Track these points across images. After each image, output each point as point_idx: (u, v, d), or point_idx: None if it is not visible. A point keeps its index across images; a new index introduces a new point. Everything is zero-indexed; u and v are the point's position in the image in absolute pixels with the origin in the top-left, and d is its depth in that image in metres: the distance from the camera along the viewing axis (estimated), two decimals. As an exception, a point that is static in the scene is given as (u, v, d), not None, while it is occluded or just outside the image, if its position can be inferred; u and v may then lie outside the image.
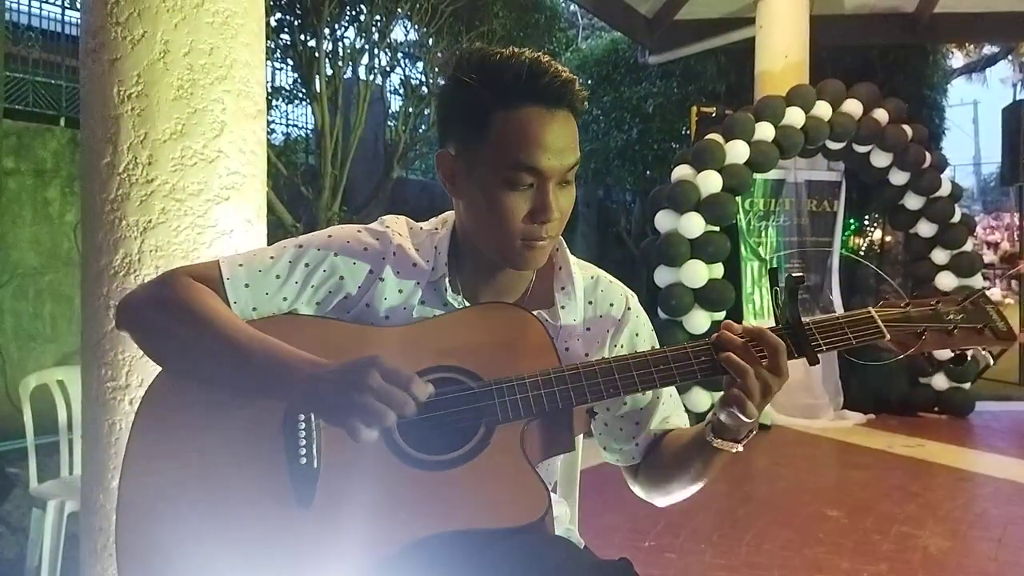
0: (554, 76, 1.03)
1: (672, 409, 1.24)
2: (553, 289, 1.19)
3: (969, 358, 1.17)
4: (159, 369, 1.10)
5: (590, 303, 1.20)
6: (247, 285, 1.10)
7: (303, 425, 1.02)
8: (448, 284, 1.13)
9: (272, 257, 1.12)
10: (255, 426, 1.04)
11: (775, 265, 5.45)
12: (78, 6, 1.76)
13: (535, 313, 1.14)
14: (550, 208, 1.04)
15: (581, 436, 1.37)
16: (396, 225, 1.18)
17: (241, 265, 1.12)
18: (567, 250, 1.20)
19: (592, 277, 1.23)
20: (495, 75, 1.03)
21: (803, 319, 1.07)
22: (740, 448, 1.08)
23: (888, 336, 1.09)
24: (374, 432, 0.92)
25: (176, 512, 1.02)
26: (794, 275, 1.07)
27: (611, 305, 1.21)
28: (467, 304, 1.14)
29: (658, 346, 1.24)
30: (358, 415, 0.93)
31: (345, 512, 1.00)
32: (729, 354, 1.02)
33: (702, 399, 4.72)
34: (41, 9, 6.01)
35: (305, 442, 1.02)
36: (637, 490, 1.28)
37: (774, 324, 1.09)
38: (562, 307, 1.18)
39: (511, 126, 1.02)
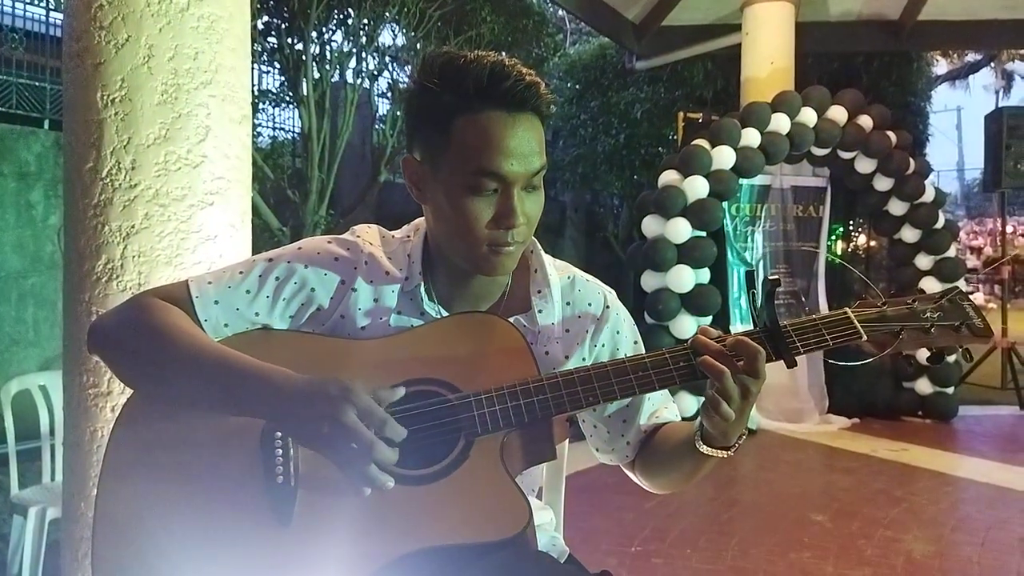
0: (517, 79, 1.01)
1: (660, 403, 1.24)
2: (530, 293, 1.18)
3: (946, 357, 1.16)
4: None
5: (568, 304, 1.20)
6: (217, 302, 1.10)
7: (280, 443, 1.01)
8: (424, 292, 1.13)
9: (242, 272, 1.12)
10: (233, 442, 1.02)
11: (752, 268, 5.48)
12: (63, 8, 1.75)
13: (512, 319, 1.13)
14: (514, 214, 1.03)
15: (565, 442, 1.37)
16: (367, 234, 1.17)
17: (210, 283, 1.11)
18: (542, 252, 1.19)
19: (569, 277, 1.22)
20: (457, 79, 1.02)
21: (780, 321, 1.07)
22: (730, 454, 1.07)
23: (865, 336, 1.09)
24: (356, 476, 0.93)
25: (153, 528, 1.00)
26: (771, 278, 1.06)
27: (589, 304, 1.20)
28: (443, 312, 1.13)
29: (640, 340, 1.24)
30: (331, 454, 0.93)
31: (324, 530, 0.99)
32: (706, 357, 1.02)
33: (688, 403, 4.74)
34: (25, 11, 5.97)
35: (282, 460, 1.01)
36: (636, 480, 1.27)
37: (752, 327, 1.10)
38: (539, 311, 1.17)
39: (473, 131, 1.01)
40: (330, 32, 6.48)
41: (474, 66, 1.01)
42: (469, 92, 1.01)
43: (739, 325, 5.37)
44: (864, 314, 1.10)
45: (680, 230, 4.95)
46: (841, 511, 3.67)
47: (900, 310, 1.12)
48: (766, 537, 3.34)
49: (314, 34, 6.04)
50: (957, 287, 1.19)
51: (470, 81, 1.01)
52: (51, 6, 6.02)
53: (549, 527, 1.25)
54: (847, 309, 1.11)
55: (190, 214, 1.70)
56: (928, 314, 1.12)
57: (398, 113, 6.84)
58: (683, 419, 1.26)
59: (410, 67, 7.00)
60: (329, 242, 1.15)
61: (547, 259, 1.20)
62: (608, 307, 1.22)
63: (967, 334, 1.13)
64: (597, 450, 1.27)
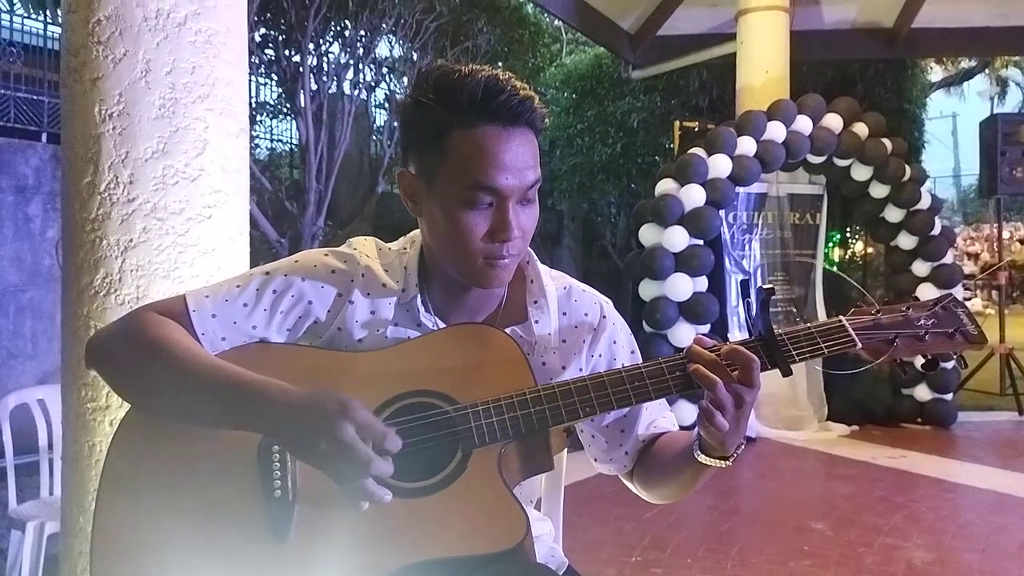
0: (511, 94, 1.02)
1: (658, 412, 1.23)
2: (526, 303, 1.18)
3: (941, 363, 1.16)
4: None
5: (564, 314, 1.20)
6: (214, 316, 1.10)
7: (277, 457, 1.01)
8: (420, 304, 1.13)
9: (239, 286, 1.12)
10: (230, 457, 1.03)
11: (747, 277, 5.50)
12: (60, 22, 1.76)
13: (509, 330, 1.14)
14: (510, 227, 1.04)
15: (564, 452, 1.37)
16: (364, 247, 1.17)
17: (207, 296, 1.11)
18: (538, 262, 1.20)
19: (565, 287, 1.22)
20: (452, 94, 1.02)
21: (775, 330, 1.07)
22: (728, 463, 1.07)
23: (860, 344, 1.09)
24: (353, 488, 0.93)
25: (150, 543, 1.00)
26: (765, 287, 1.07)
27: (586, 315, 1.21)
28: (440, 323, 1.14)
29: (637, 350, 1.25)
30: (328, 469, 0.93)
31: (321, 545, 0.99)
32: (698, 367, 1.02)
33: (688, 412, 4.73)
34: (23, 24, 6.00)
35: (279, 475, 1.01)
36: (634, 490, 1.27)
37: (748, 336, 1.10)
38: (535, 321, 1.17)
39: (468, 145, 1.02)
40: (327, 44, 6.50)
41: (469, 81, 1.02)
42: (464, 107, 1.02)
43: (737, 333, 5.37)
44: (859, 322, 1.11)
45: (677, 239, 4.96)
46: (841, 519, 3.66)
47: (894, 318, 1.12)
48: (766, 546, 3.33)
49: (311, 46, 6.07)
50: (951, 294, 1.19)
51: (465, 96, 1.01)
52: (49, 20, 6.04)
53: (548, 538, 1.25)
54: (841, 317, 1.11)
55: (188, 227, 1.70)
56: (922, 321, 1.12)
57: (395, 124, 6.86)
58: (681, 428, 1.26)
59: (407, 78, 7.03)
60: (326, 255, 1.15)
61: (543, 269, 1.20)
62: (604, 317, 1.22)
63: (961, 340, 1.13)
64: (595, 460, 1.27)
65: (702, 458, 1.07)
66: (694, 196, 5.00)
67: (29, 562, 2.34)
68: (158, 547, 1.00)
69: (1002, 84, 22.10)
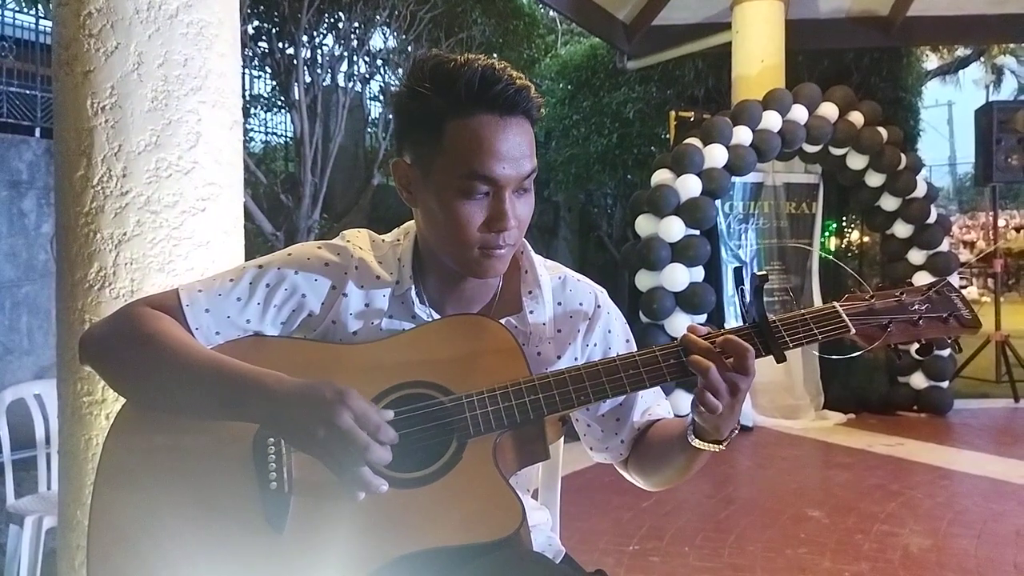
0: (507, 83, 1.02)
1: (652, 401, 1.24)
2: (521, 294, 1.18)
3: (935, 349, 1.16)
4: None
5: (559, 304, 1.20)
6: (207, 310, 1.10)
7: (272, 449, 1.01)
8: (415, 296, 1.13)
9: (232, 280, 1.12)
10: (226, 449, 1.02)
11: (741, 265, 5.50)
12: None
13: (504, 320, 1.13)
14: (506, 217, 1.03)
15: (560, 442, 1.38)
16: (357, 239, 1.17)
17: (200, 291, 1.11)
18: (532, 253, 1.20)
19: (560, 277, 1.22)
20: (447, 83, 1.02)
21: (769, 316, 1.07)
22: (723, 448, 1.07)
23: (854, 330, 1.09)
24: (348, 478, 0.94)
25: (147, 536, 1.00)
26: (759, 273, 1.06)
27: (580, 304, 1.21)
28: (435, 315, 1.14)
29: (632, 339, 1.25)
30: (325, 457, 0.93)
31: (318, 536, 0.99)
32: (693, 356, 1.02)
33: (683, 401, 4.75)
34: (15, 19, 5.97)
35: (275, 466, 1.01)
36: (629, 478, 1.27)
37: (742, 323, 1.10)
38: (530, 311, 1.17)
39: (464, 135, 1.02)
40: (321, 36, 6.48)
41: (465, 70, 1.02)
42: (460, 96, 1.01)
43: (734, 323, 5.36)
44: (852, 307, 1.10)
45: (674, 229, 4.97)
46: (838, 506, 3.68)
47: (888, 303, 1.12)
48: (763, 534, 3.35)
49: (305, 38, 6.04)
50: (945, 279, 1.19)
51: (461, 85, 1.01)
52: (41, 14, 6.01)
53: (545, 527, 1.25)
54: (835, 303, 1.11)
55: (182, 220, 1.70)
56: (916, 306, 1.12)
57: (390, 116, 6.84)
58: (676, 416, 1.27)
59: (401, 70, 7.00)
60: (319, 248, 1.15)
61: (538, 260, 1.20)
62: (599, 306, 1.22)
63: (955, 325, 1.12)
64: (591, 449, 1.28)
65: (696, 443, 1.07)
66: (690, 186, 5.00)
67: (28, 556, 2.34)
68: (154, 539, 1.00)
69: (998, 72, 22.10)
